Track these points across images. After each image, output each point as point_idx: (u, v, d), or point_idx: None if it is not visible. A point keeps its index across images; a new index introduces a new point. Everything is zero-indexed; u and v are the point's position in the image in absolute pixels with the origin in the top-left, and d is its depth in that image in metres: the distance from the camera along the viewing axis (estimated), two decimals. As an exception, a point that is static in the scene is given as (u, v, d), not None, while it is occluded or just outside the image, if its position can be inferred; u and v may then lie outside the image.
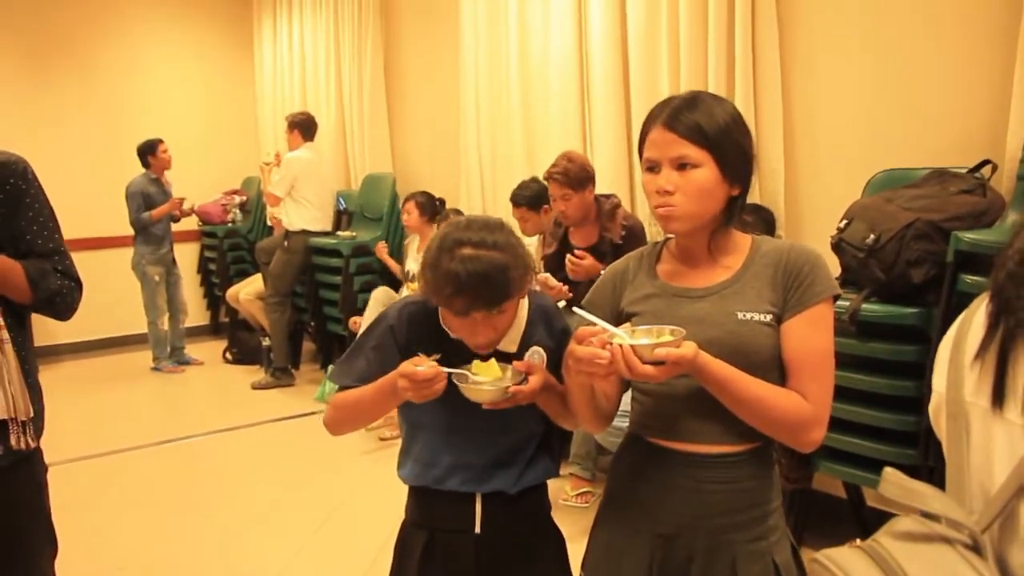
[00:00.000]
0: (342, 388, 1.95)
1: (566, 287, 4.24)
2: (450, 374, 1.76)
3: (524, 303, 1.95)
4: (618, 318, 1.73)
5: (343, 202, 7.37)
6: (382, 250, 6.44)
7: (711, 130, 1.63)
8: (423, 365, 1.73)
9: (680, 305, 1.70)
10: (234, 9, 9.15)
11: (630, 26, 4.74)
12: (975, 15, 3.34)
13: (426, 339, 1.89)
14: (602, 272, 1.91)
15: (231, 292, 7.76)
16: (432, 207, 5.94)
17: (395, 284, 6.19)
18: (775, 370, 1.65)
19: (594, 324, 1.60)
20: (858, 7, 3.75)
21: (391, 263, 6.37)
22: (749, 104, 4.08)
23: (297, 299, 7.30)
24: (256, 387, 6.96)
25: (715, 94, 1.73)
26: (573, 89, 5.17)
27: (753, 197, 3.94)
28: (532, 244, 4.75)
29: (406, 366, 1.74)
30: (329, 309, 7.02)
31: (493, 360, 1.83)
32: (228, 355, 7.97)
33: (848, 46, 3.81)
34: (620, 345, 1.52)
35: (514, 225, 4.62)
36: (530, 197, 4.88)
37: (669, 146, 1.64)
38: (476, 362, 1.82)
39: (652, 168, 1.67)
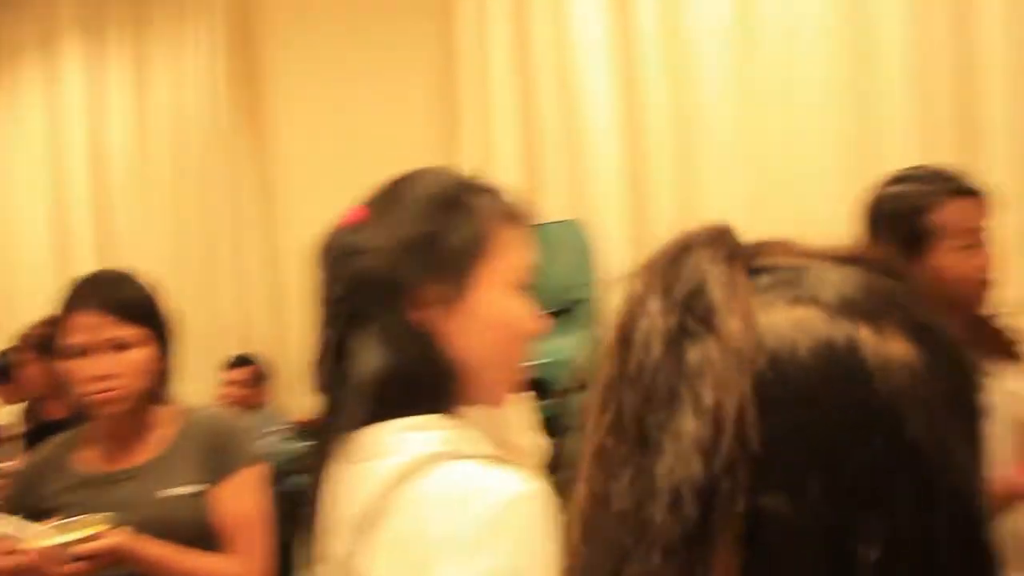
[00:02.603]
0: None
1: None
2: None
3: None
4: (40, 515, 1.60)
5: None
6: None
7: (143, 306, 1.68)
8: None
9: (106, 491, 1.66)
10: None
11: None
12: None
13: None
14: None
15: None
16: None
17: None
18: (211, 540, 1.65)
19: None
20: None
21: None
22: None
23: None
24: None
25: (121, 270, 1.78)
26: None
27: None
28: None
29: None
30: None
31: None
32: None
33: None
34: (31, 550, 1.46)
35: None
36: None
37: (101, 328, 1.63)
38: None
39: (82, 353, 1.64)
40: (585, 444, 0.56)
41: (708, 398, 0.49)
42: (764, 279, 0.54)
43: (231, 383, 3.86)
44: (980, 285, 1.75)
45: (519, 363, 1.16)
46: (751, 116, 3.26)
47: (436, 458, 0.99)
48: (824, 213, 2.80)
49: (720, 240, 0.55)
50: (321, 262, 1.13)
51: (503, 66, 3.51)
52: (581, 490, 0.55)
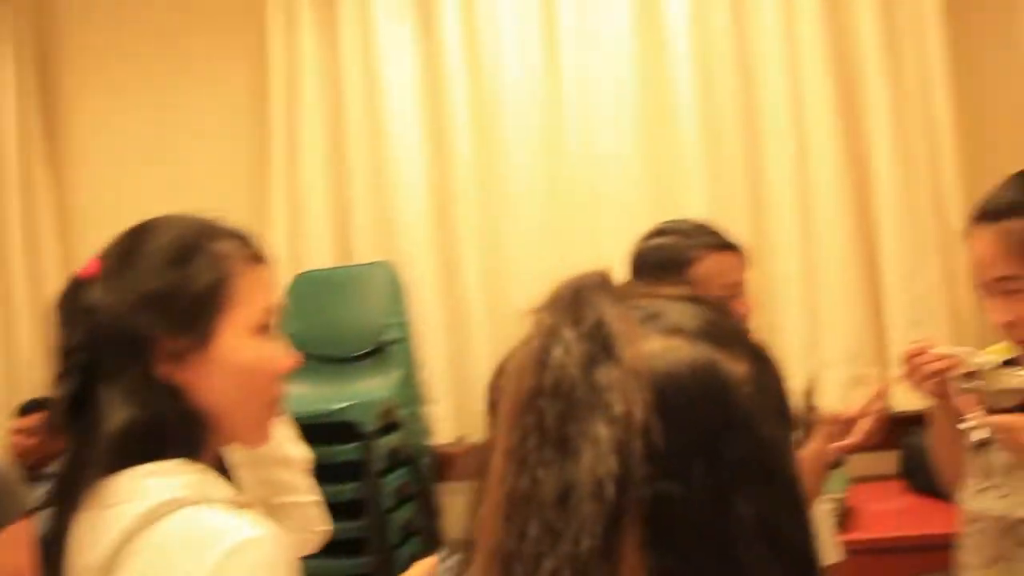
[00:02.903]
0: None
1: None
2: None
3: None
4: None
5: None
6: None
7: None
8: None
9: None
10: None
11: None
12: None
13: None
14: None
15: None
16: None
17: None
18: None
19: None
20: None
21: None
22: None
23: None
24: None
25: None
26: None
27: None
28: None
29: None
30: None
31: None
32: None
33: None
34: None
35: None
36: None
37: None
38: None
39: None
40: (500, 450, 0.67)
41: (618, 409, 0.63)
42: (638, 314, 0.69)
43: (19, 431, 3.62)
44: None
45: (275, 402, 1.18)
46: (553, 164, 3.39)
47: (176, 503, 1.00)
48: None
49: (607, 284, 0.71)
50: (58, 316, 1.12)
51: (314, 109, 3.51)
52: (500, 487, 0.66)
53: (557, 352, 0.66)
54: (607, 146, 3.34)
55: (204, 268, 1.09)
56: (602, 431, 0.63)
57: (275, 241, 3.49)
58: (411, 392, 3.30)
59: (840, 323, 3.24)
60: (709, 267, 1.81)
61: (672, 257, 1.84)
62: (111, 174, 3.81)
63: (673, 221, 1.98)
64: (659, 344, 0.67)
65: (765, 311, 3.28)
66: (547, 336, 0.68)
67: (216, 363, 1.09)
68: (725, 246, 1.87)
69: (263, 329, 1.13)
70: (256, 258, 1.16)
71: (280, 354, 1.16)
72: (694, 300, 0.74)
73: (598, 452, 0.62)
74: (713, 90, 3.30)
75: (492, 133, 3.42)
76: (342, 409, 2.90)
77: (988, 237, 1.57)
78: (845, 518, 2.84)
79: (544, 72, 3.40)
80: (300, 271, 3.45)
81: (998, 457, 1.61)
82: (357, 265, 3.45)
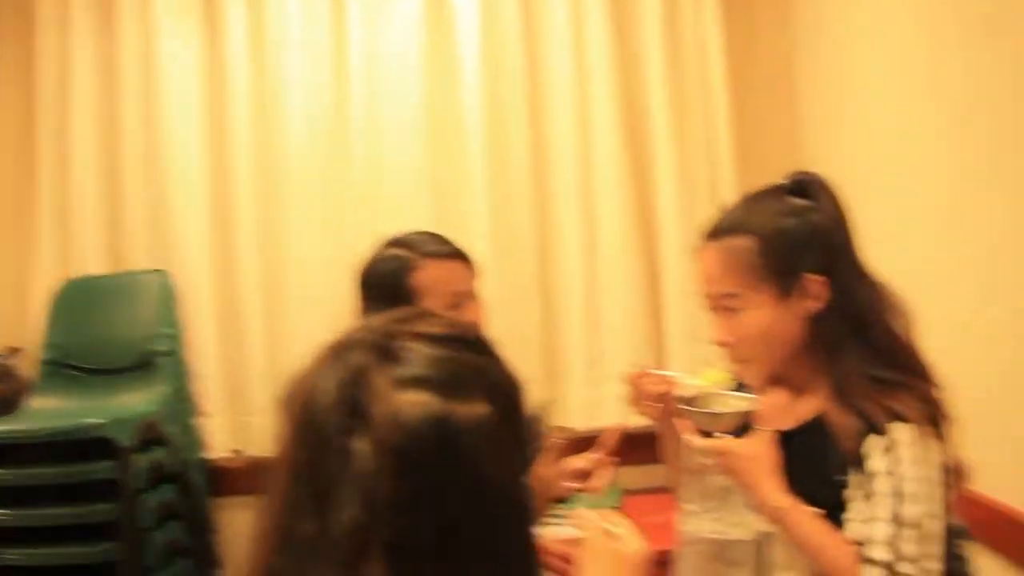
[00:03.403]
0: None
1: None
2: None
3: None
4: None
5: None
6: None
7: None
8: None
9: None
10: None
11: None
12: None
13: None
14: None
15: None
16: None
17: None
18: None
19: None
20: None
21: None
22: None
23: None
24: None
25: None
26: None
27: None
28: None
29: None
30: None
31: None
32: None
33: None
34: None
35: None
36: None
37: None
38: None
39: None
40: (273, 494, 0.81)
41: (366, 464, 0.77)
42: (395, 363, 0.82)
43: None
44: None
45: None
46: (336, 174, 3.32)
47: None
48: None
49: (369, 340, 0.84)
50: None
51: (85, 110, 3.32)
52: (272, 517, 0.81)
53: (320, 413, 0.81)
54: (391, 158, 3.30)
55: None
56: (352, 483, 0.76)
57: (42, 245, 3.32)
58: (181, 405, 3.17)
59: (622, 338, 3.28)
60: (431, 275, 1.83)
61: (396, 267, 1.85)
62: None
63: (405, 233, 1.98)
64: (408, 398, 0.80)
65: (547, 326, 3.31)
66: (311, 395, 0.82)
67: None
68: (449, 255, 1.88)
69: None
70: None
71: None
72: (447, 340, 0.86)
73: (349, 498, 0.77)
74: (501, 105, 3.30)
75: (273, 140, 3.32)
76: (97, 425, 2.74)
77: (712, 254, 1.60)
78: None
79: (329, 79, 3.33)
80: (69, 277, 3.28)
81: (714, 480, 1.64)
82: (129, 273, 3.29)
